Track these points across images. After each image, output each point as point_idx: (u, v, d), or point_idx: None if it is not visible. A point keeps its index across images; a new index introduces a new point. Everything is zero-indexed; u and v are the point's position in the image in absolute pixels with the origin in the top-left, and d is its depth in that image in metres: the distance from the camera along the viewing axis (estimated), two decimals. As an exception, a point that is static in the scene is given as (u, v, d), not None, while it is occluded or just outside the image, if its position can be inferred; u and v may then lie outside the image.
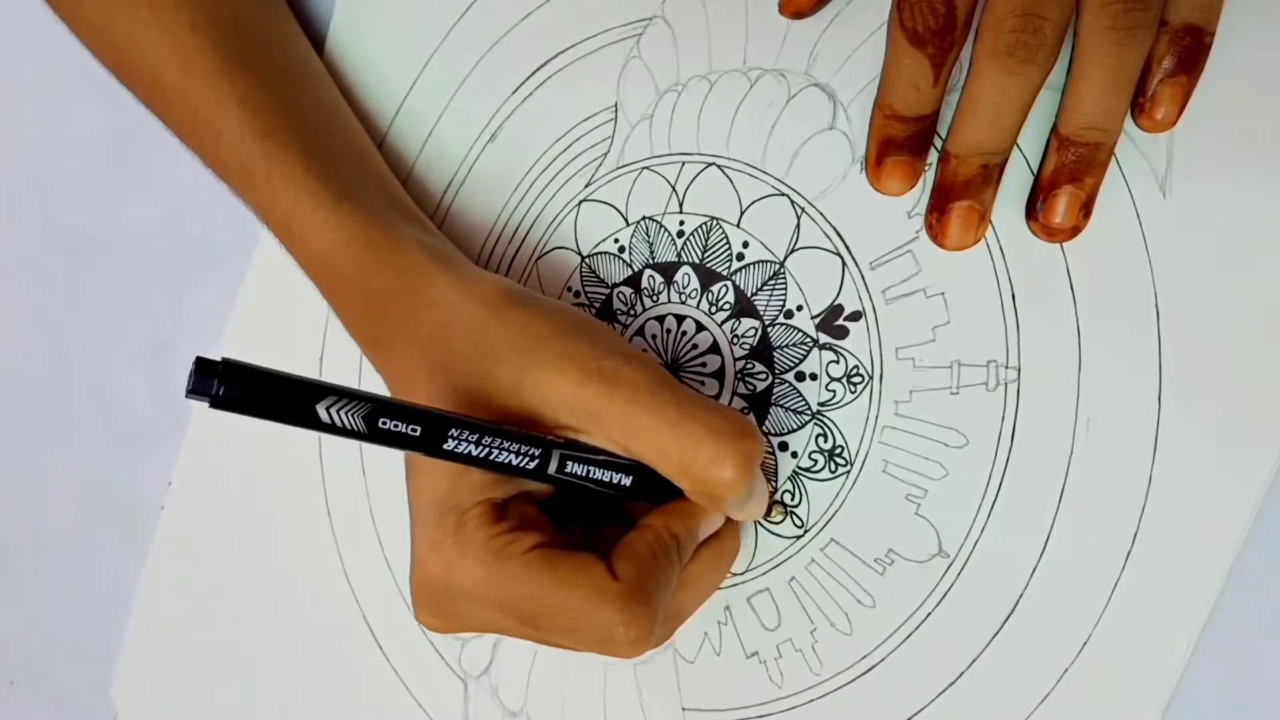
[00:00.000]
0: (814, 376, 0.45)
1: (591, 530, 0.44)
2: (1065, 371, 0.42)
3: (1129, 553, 0.40)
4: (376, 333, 0.45)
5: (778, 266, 0.46)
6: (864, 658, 0.44)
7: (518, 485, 0.41)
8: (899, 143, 0.42)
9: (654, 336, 0.47)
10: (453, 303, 0.42)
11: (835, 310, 0.45)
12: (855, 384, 0.44)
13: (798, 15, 0.44)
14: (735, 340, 0.46)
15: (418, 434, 0.37)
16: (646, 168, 0.47)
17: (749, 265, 0.46)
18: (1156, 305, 0.41)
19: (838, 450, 0.44)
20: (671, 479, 0.40)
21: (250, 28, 0.49)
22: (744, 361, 0.46)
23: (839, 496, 0.44)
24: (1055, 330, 0.42)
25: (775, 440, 0.46)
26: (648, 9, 0.47)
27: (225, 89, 0.46)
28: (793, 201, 0.45)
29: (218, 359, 0.34)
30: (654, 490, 0.41)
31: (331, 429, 0.36)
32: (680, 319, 0.47)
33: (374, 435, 0.36)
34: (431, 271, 0.43)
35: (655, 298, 0.47)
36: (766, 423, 0.46)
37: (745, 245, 0.46)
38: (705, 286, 0.47)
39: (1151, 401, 0.40)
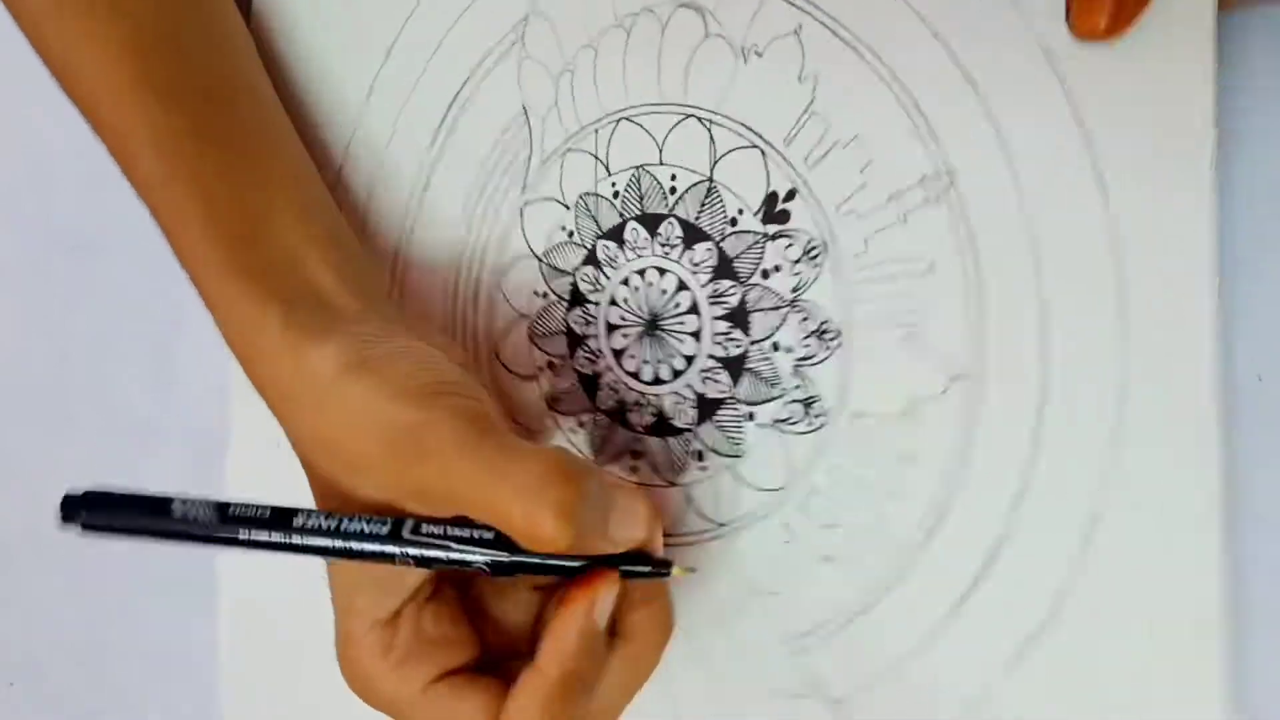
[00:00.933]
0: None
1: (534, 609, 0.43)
2: (993, 161, 0.41)
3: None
4: (262, 385, 0.44)
5: (708, 182, 0.45)
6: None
7: (399, 591, 0.41)
8: None
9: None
10: (300, 392, 0.41)
11: (771, 198, 0.44)
12: (815, 257, 0.44)
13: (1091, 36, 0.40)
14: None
15: (267, 514, 0.39)
16: (569, 149, 0.48)
17: (682, 196, 0.46)
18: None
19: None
20: (515, 539, 0.38)
21: (189, 51, 0.47)
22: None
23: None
24: (970, 126, 0.41)
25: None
26: (519, 10, 0.49)
27: (143, 125, 0.44)
28: (699, 120, 0.46)
29: (80, 491, 0.39)
30: (525, 560, 0.40)
31: (185, 526, 0.38)
32: (642, 273, 0.47)
33: (226, 523, 0.38)
34: (282, 355, 0.42)
35: (616, 264, 0.47)
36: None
37: (674, 178, 0.46)
38: (652, 230, 0.47)
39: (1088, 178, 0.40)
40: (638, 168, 0.46)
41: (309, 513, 0.39)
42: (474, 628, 0.43)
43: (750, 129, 0.44)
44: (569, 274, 0.48)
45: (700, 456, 0.46)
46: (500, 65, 0.49)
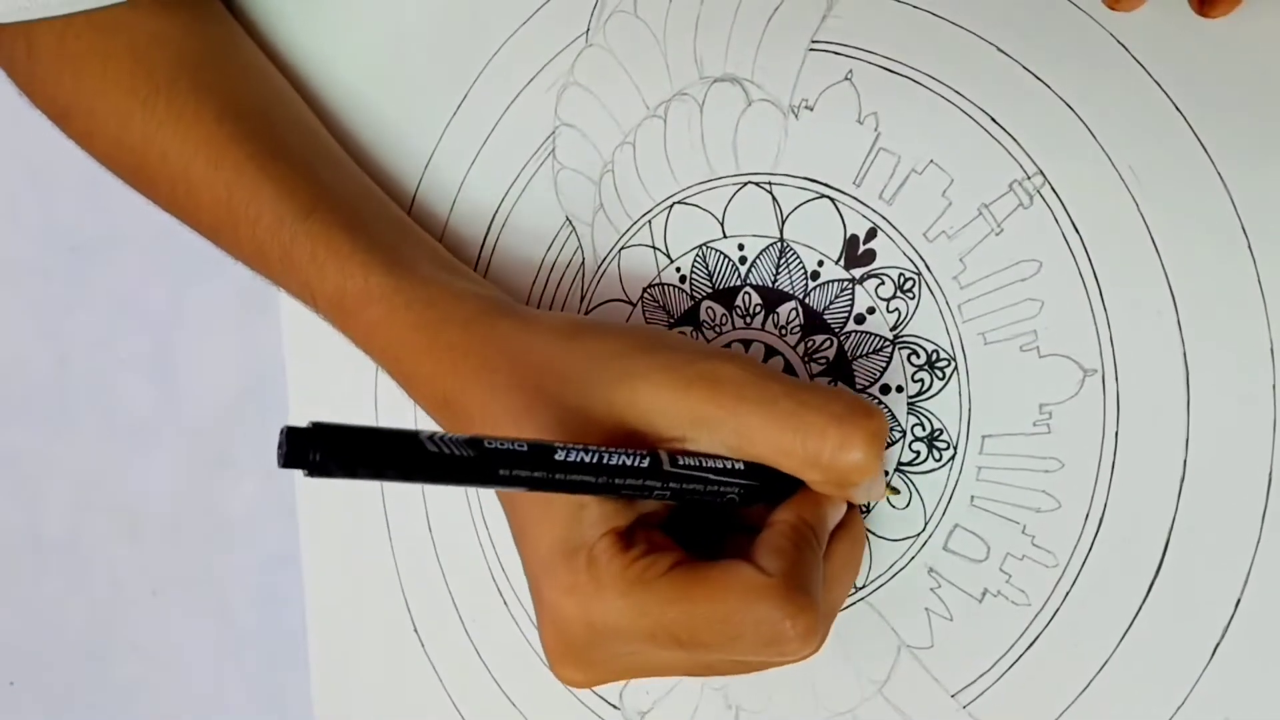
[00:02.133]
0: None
1: (715, 550, 0.40)
2: (1085, 150, 0.40)
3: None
4: (449, 391, 0.42)
5: (779, 243, 0.44)
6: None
7: (635, 510, 0.38)
8: None
9: None
10: (525, 343, 0.41)
11: (852, 242, 0.43)
12: (909, 289, 0.42)
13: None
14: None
15: (525, 450, 0.35)
16: (624, 246, 0.47)
17: (754, 263, 0.45)
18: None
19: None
20: (795, 473, 0.38)
21: (271, 115, 0.49)
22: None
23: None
24: (1052, 122, 0.41)
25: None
26: (547, 123, 0.48)
27: (259, 174, 0.46)
28: (757, 184, 0.45)
29: (307, 424, 0.32)
30: (771, 488, 0.39)
31: (440, 463, 0.33)
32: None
33: (484, 458, 0.34)
34: (495, 317, 0.42)
35: (717, 329, 0.45)
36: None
37: (741, 247, 0.45)
38: (729, 305, 0.45)
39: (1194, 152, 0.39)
40: (700, 246, 0.45)
41: (569, 448, 0.35)
42: None
43: (814, 180, 0.43)
44: (670, 317, 0.46)
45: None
46: (536, 179, 0.48)
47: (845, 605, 0.43)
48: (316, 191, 0.46)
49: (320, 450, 0.31)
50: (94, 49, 0.48)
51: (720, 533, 0.40)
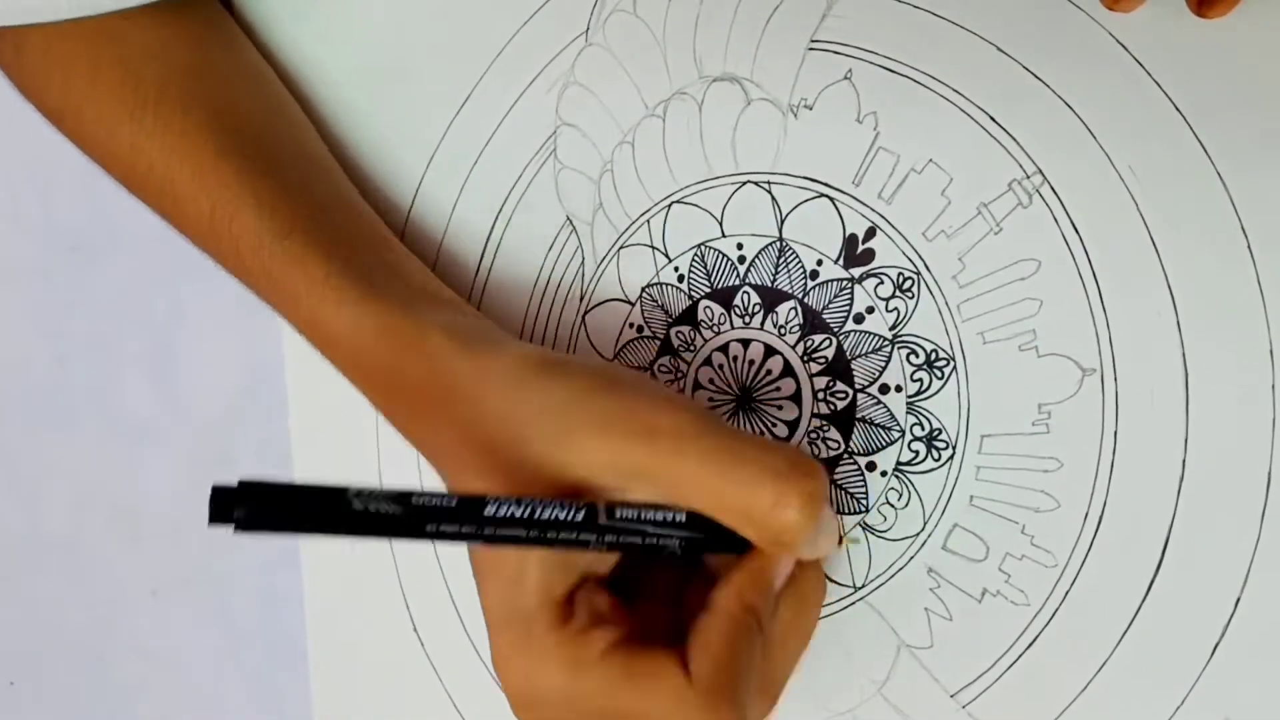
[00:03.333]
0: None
1: (672, 598, 0.41)
2: (1084, 149, 0.40)
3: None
4: (420, 427, 0.43)
5: (778, 242, 0.44)
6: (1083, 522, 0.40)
7: (577, 570, 0.39)
8: None
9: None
10: (480, 392, 0.40)
11: (851, 241, 0.43)
12: (908, 288, 0.42)
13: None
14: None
15: (454, 505, 0.35)
16: (623, 245, 0.47)
17: (753, 262, 0.45)
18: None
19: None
20: (734, 528, 0.38)
21: (261, 127, 0.48)
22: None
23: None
24: (1051, 121, 0.41)
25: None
26: (548, 124, 0.48)
27: (241, 192, 0.45)
28: (756, 184, 0.45)
29: (234, 484, 0.33)
30: (715, 539, 0.38)
31: (365, 520, 0.34)
32: (725, 349, 0.45)
33: (411, 515, 0.35)
34: (454, 355, 0.42)
35: (694, 347, 0.46)
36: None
37: (740, 246, 0.45)
38: (726, 304, 0.45)
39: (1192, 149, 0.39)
40: (699, 245, 0.45)
41: (500, 502, 0.35)
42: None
43: (814, 180, 0.43)
44: (645, 369, 0.46)
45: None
46: (538, 179, 0.48)
47: (844, 606, 0.43)
48: (298, 210, 0.45)
49: (246, 508, 0.33)
50: (83, 55, 0.48)
51: (680, 575, 0.41)
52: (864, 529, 0.42)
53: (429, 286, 0.46)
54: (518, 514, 0.35)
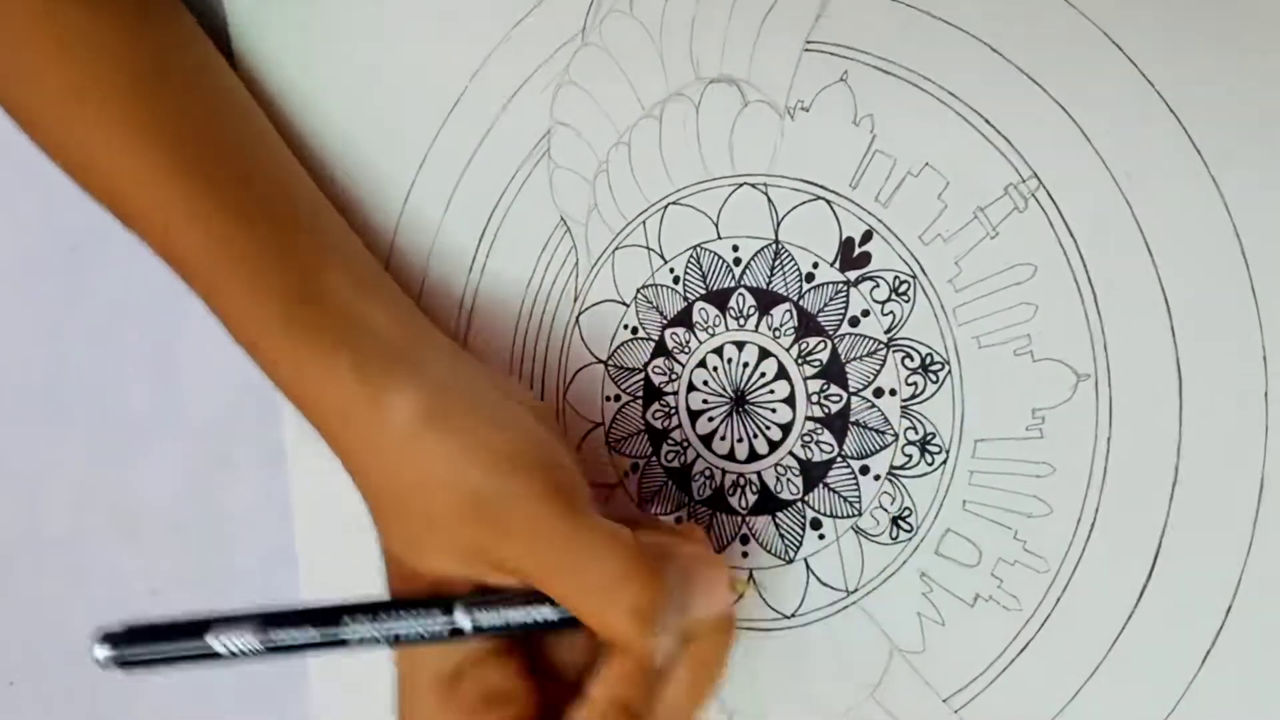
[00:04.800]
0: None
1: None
2: (1079, 154, 0.40)
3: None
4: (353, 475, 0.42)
5: (774, 244, 0.44)
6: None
7: (461, 647, 0.39)
8: None
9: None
10: (370, 443, 0.40)
11: (847, 244, 0.43)
12: (904, 292, 0.42)
13: None
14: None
15: (316, 639, 0.37)
16: (618, 247, 0.47)
17: (749, 264, 0.45)
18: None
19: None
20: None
21: (209, 134, 0.46)
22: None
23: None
24: (1047, 125, 0.40)
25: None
26: (542, 123, 0.48)
27: (178, 201, 0.43)
28: (753, 186, 0.45)
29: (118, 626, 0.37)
30: None
31: (233, 658, 0.37)
32: (719, 351, 0.45)
33: (273, 649, 0.37)
34: (353, 405, 0.41)
35: (689, 349, 0.46)
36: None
37: (736, 249, 0.45)
38: (721, 306, 0.45)
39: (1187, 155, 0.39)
40: (695, 247, 0.45)
41: (357, 625, 0.37)
42: (535, 677, 0.41)
43: (810, 182, 0.43)
44: (639, 370, 0.46)
45: (817, 525, 0.43)
46: (532, 179, 0.48)
47: (837, 610, 0.43)
48: (231, 226, 0.43)
49: (117, 646, 0.37)
50: (26, 42, 0.45)
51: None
52: (857, 536, 0.42)
53: (352, 303, 0.44)
54: (376, 636, 0.37)
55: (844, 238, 0.43)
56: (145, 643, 0.37)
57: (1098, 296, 0.39)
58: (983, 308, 0.41)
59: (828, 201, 0.43)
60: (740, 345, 0.44)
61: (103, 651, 0.37)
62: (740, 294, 0.44)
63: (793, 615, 0.43)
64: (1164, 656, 0.38)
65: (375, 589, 0.49)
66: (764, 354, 0.44)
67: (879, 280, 0.42)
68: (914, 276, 0.42)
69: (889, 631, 0.42)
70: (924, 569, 0.41)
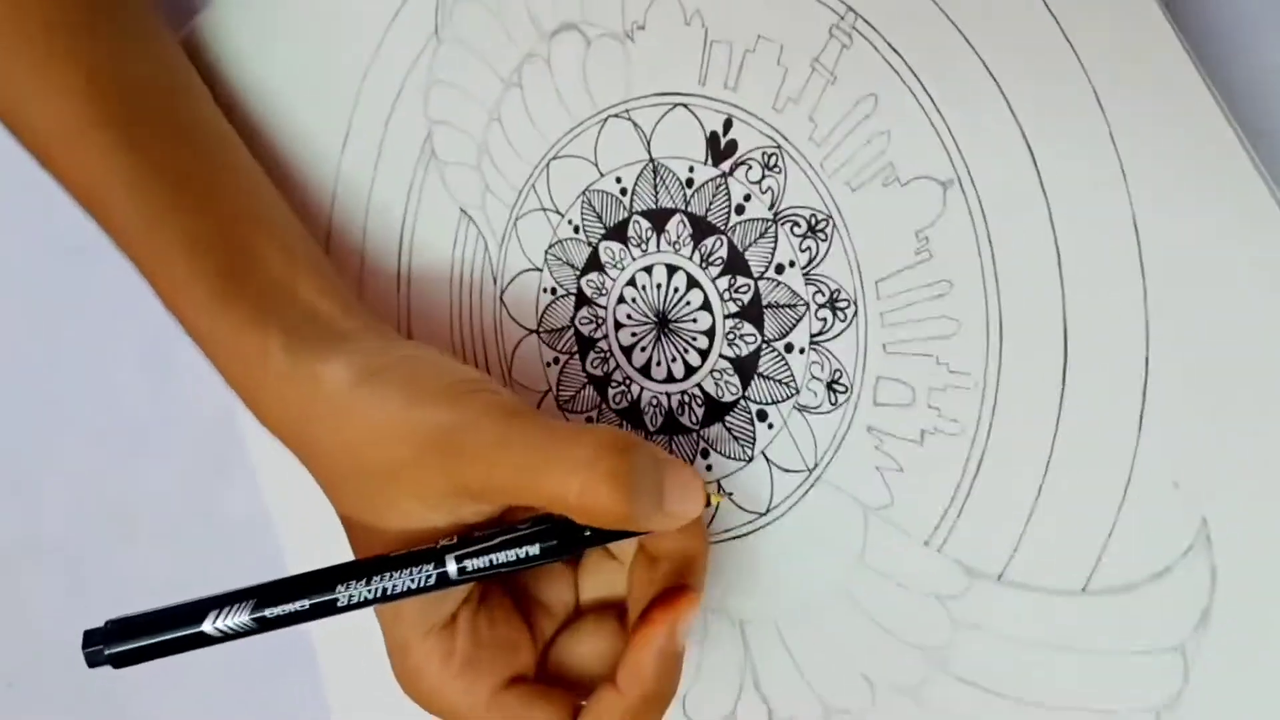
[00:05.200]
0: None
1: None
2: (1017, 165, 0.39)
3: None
4: (290, 444, 0.43)
5: (650, 164, 0.45)
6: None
7: (450, 598, 0.40)
8: None
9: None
10: (309, 409, 0.40)
11: (713, 139, 0.44)
12: (773, 165, 0.42)
13: None
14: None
15: (306, 609, 0.37)
16: (517, 218, 0.47)
17: (634, 192, 0.45)
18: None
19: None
20: (569, 515, 0.37)
21: (144, 97, 0.46)
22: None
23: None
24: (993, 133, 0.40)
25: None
26: (422, 128, 0.49)
27: (114, 167, 0.43)
28: (617, 116, 0.45)
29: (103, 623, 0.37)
30: (573, 538, 0.39)
31: (228, 637, 0.37)
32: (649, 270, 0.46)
33: (266, 626, 0.37)
34: (288, 374, 0.41)
35: (619, 266, 0.46)
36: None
37: (619, 180, 0.45)
38: (623, 240, 0.46)
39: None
40: (584, 193, 0.46)
41: (350, 591, 0.37)
42: (525, 620, 0.41)
43: (664, 93, 0.44)
44: (568, 327, 0.46)
45: (763, 416, 0.43)
46: (426, 183, 0.49)
47: (804, 492, 0.42)
48: (168, 195, 0.44)
49: (110, 643, 0.36)
50: None
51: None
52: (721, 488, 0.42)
53: (284, 279, 0.44)
54: (369, 597, 0.37)
55: (709, 134, 0.43)
56: (137, 637, 0.37)
57: (938, 105, 0.38)
58: (844, 153, 0.40)
59: (685, 105, 0.43)
60: (649, 270, 0.45)
61: (94, 650, 0.37)
62: (635, 221, 0.45)
63: (767, 511, 0.43)
64: (1104, 430, 0.37)
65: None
66: (672, 269, 0.44)
67: (749, 162, 0.42)
68: (779, 146, 0.42)
69: (856, 494, 0.41)
70: (869, 423, 0.41)
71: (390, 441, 0.38)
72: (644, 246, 0.45)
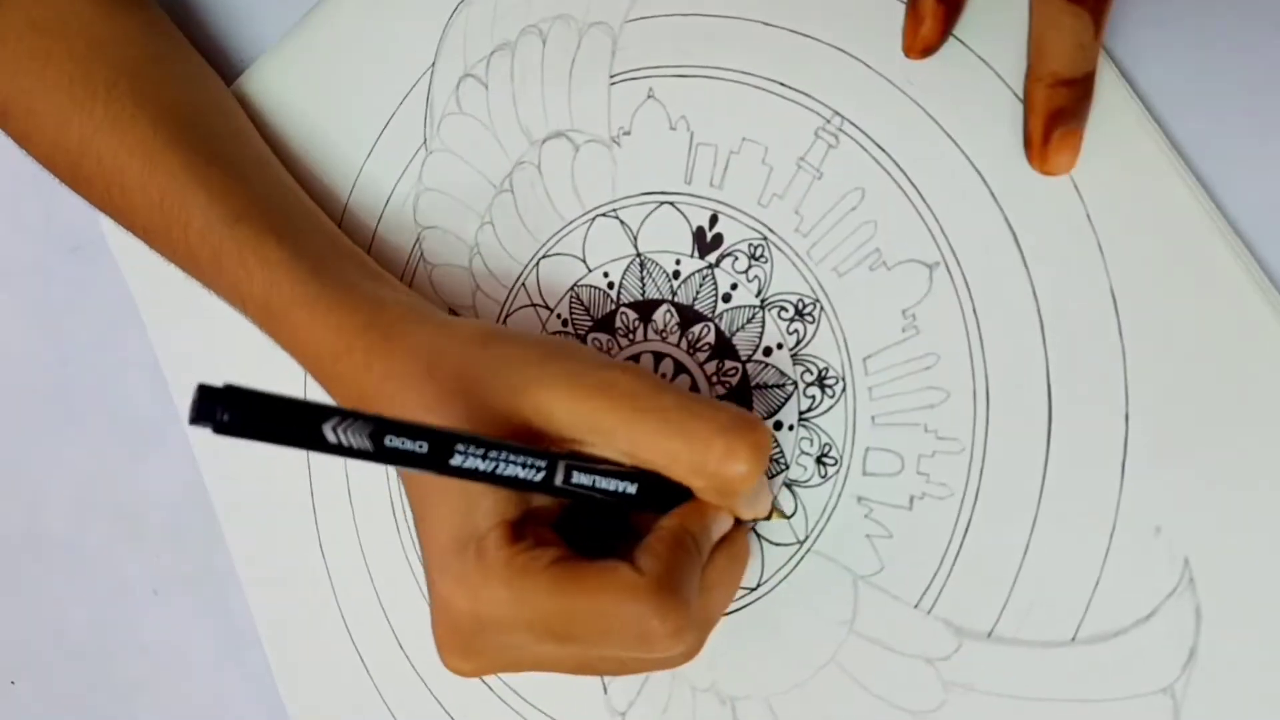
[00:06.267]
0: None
1: (606, 551, 0.42)
2: (1000, 245, 0.43)
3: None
4: (365, 388, 0.44)
5: (637, 258, 0.47)
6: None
7: (527, 505, 0.40)
8: (1069, 111, 0.39)
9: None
10: (441, 347, 0.42)
11: (699, 233, 0.46)
12: (760, 255, 0.45)
13: (926, 54, 0.42)
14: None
15: (424, 450, 0.36)
16: (507, 315, 0.49)
17: (621, 286, 0.48)
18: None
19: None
20: (682, 480, 0.40)
21: (206, 121, 0.51)
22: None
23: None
24: (976, 218, 0.44)
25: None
26: (411, 231, 0.52)
27: (191, 179, 0.47)
28: (605, 215, 0.48)
29: (220, 385, 0.33)
30: (660, 497, 0.40)
31: (338, 449, 0.35)
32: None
33: (381, 454, 0.35)
34: (413, 323, 0.44)
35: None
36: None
37: (606, 275, 0.48)
38: (610, 331, 0.48)
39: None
40: (572, 288, 0.48)
41: (467, 452, 0.36)
42: None
43: (650, 192, 0.47)
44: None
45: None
46: (415, 284, 0.51)
47: (795, 563, 0.44)
48: (247, 198, 0.48)
49: (229, 411, 0.33)
50: (33, 51, 0.50)
51: (613, 535, 0.42)
52: (789, 487, 0.44)
53: (374, 269, 0.49)
54: (480, 468, 0.37)
55: (695, 228, 0.46)
56: (255, 409, 0.33)
57: (922, 192, 0.42)
58: (831, 241, 0.43)
59: (671, 203, 0.46)
60: (636, 358, 0.47)
61: (207, 406, 0.33)
62: (622, 313, 0.47)
63: (757, 586, 0.44)
64: (1087, 483, 0.39)
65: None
66: (659, 357, 0.46)
67: (736, 253, 0.45)
68: (765, 238, 0.45)
69: (847, 563, 0.43)
70: (859, 493, 0.43)
71: (541, 370, 0.40)
72: (631, 336, 0.47)
